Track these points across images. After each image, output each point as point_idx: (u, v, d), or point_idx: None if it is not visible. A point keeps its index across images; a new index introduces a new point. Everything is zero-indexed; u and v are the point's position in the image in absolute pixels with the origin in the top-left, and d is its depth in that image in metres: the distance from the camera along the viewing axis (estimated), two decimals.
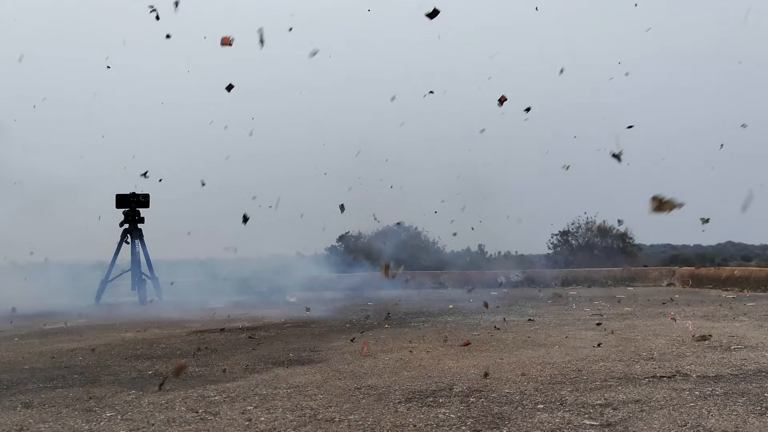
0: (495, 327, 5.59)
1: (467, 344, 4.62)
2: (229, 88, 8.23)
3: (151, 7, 8.17)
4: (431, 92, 10.43)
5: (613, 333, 4.98)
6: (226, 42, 7.51)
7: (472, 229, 11.19)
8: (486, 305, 5.26)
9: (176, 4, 7.91)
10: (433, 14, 7.31)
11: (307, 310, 7.71)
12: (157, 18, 8.16)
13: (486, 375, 3.38)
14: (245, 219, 9.14)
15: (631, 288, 11.29)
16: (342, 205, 9.89)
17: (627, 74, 11.94)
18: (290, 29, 8.74)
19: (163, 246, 11.21)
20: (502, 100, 8.11)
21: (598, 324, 5.55)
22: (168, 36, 8.71)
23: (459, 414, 2.63)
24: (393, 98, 10.16)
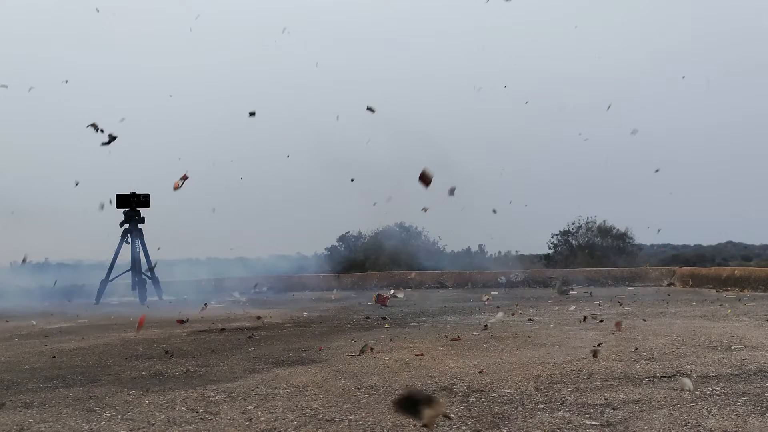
0: (484, 325, 5.59)
1: (458, 339, 4.80)
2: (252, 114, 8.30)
3: (94, 126, 8.22)
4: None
5: (613, 333, 4.98)
6: (177, 186, 7.60)
7: (424, 210, 10.68)
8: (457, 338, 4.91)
9: (111, 139, 7.99)
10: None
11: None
12: (97, 130, 8.20)
13: (534, 374, 3.37)
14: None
15: (632, 288, 11.28)
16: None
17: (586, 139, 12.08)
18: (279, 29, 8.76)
19: (162, 246, 11.23)
20: None
21: (601, 321, 5.55)
22: (109, 140, 8.71)
23: (459, 414, 2.63)
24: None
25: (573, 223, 21.20)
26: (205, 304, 7.78)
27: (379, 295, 7.99)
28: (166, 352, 4.64)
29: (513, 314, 6.70)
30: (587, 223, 21.16)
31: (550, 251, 21.35)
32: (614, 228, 20.95)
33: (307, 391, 3.15)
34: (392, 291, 8.77)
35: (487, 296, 9.54)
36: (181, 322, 6.87)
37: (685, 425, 2.38)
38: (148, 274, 10.55)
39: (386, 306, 6.70)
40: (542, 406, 2.73)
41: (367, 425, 2.50)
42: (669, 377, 3.24)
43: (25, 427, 2.62)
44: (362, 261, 17.93)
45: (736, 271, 10.68)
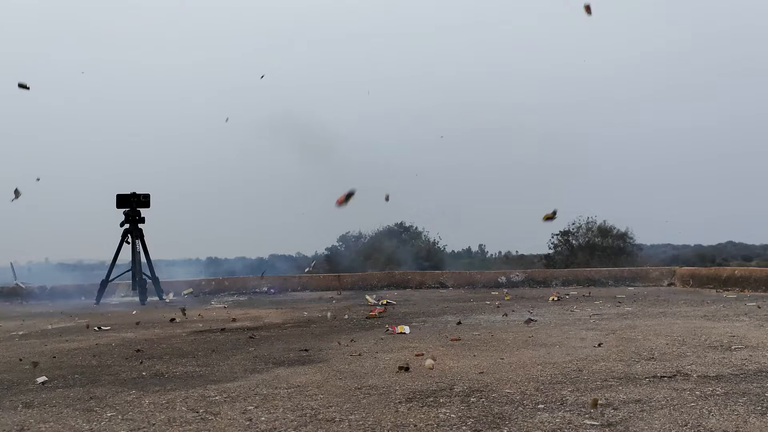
0: (458, 322, 5.60)
1: (458, 339, 4.78)
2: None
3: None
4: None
5: (613, 333, 4.98)
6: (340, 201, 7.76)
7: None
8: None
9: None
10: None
11: None
12: (27, 88, 8.35)
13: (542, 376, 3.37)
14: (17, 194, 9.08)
15: (632, 288, 11.28)
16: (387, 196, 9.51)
17: None
18: None
19: (163, 246, 11.23)
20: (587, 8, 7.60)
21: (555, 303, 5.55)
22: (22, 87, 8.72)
23: (459, 414, 2.63)
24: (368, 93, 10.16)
25: (573, 223, 21.23)
26: (183, 310, 7.77)
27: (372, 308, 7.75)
28: (138, 351, 4.64)
29: (506, 314, 6.70)
30: (587, 223, 21.19)
31: (550, 251, 21.38)
32: (614, 228, 20.99)
33: (307, 391, 3.15)
34: (383, 300, 8.64)
35: (504, 295, 9.51)
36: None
37: (686, 425, 2.38)
38: (148, 274, 10.55)
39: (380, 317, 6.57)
40: (542, 406, 2.73)
41: (367, 425, 2.50)
42: (669, 377, 3.24)
43: (25, 428, 2.62)
44: (362, 261, 17.95)
45: (736, 271, 10.67)
